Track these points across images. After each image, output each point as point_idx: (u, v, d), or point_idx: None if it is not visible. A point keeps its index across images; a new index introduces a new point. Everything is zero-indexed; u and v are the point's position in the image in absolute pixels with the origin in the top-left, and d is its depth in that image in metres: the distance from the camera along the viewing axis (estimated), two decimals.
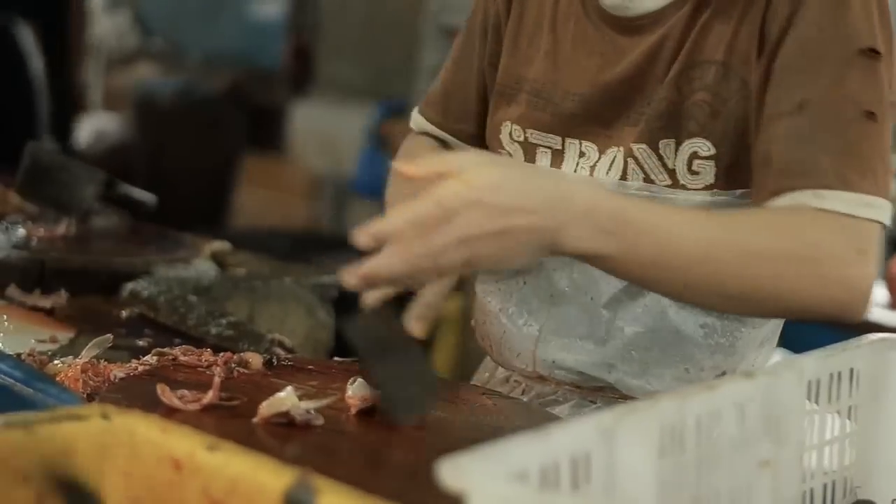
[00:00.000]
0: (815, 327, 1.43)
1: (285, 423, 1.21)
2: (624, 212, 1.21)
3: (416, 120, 1.70)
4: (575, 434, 0.91)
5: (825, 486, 1.19)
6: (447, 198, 1.15)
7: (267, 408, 1.22)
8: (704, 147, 1.40)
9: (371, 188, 5.50)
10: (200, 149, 5.78)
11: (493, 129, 1.56)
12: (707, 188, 1.41)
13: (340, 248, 5.37)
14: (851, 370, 1.20)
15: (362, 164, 5.60)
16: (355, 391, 1.28)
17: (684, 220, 1.26)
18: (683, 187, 1.41)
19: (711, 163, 1.40)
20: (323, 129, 5.64)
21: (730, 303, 1.31)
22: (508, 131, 1.54)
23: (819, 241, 1.28)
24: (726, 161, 1.40)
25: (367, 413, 1.27)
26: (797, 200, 1.30)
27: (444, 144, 1.68)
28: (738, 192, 1.41)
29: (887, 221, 1.32)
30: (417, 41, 5.21)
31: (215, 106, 5.99)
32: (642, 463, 0.96)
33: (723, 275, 1.25)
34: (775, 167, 1.33)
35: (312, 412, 1.23)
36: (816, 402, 1.16)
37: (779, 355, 1.59)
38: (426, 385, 1.28)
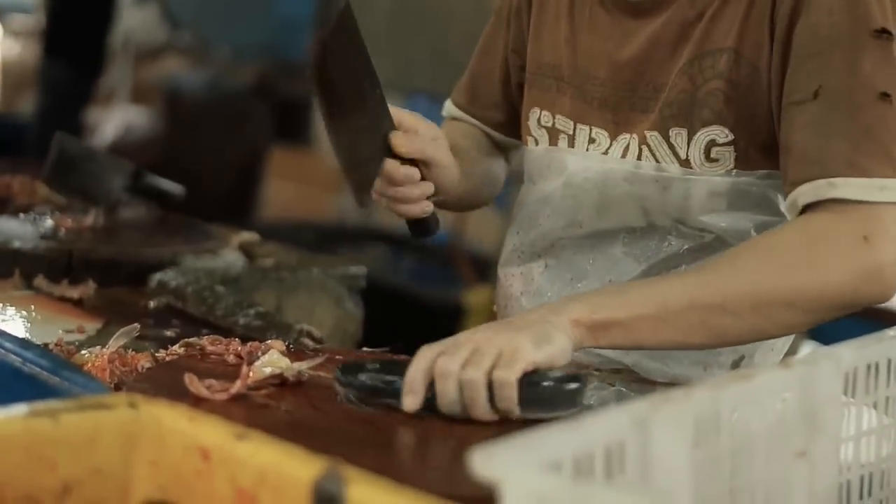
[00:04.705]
0: (844, 318, 1.42)
1: (278, 384, 1.26)
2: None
3: (448, 108, 1.73)
4: (609, 424, 0.89)
5: (862, 479, 1.17)
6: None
7: (261, 370, 1.25)
8: (722, 134, 1.41)
9: None
10: (228, 142, 5.78)
11: (524, 116, 1.59)
12: (727, 172, 1.43)
13: (367, 240, 5.38)
14: (889, 361, 1.18)
15: None
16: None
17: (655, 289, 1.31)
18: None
19: (730, 148, 1.42)
20: None
21: (746, 325, 1.31)
22: (537, 117, 1.57)
23: (817, 237, 1.31)
24: (743, 145, 1.41)
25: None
26: (814, 190, 1.32)
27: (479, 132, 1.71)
28: (760, 172, 1.42)
29: None
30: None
31: (243, 99, 5.99)
32: (677, 453, 0.94)
33: (718, 311, 1.29)
34: (793, 156, 1.35)
35: (305, 373, 1.27)
36: (853, 393, 1.15)
37: (809, 347, 1.57)
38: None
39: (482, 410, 1.20)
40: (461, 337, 1.24)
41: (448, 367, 1.20)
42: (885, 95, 1.32)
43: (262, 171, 5.76)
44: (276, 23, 6.59)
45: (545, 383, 1.23)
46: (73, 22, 5.44)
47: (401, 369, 1.23)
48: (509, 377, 1.20)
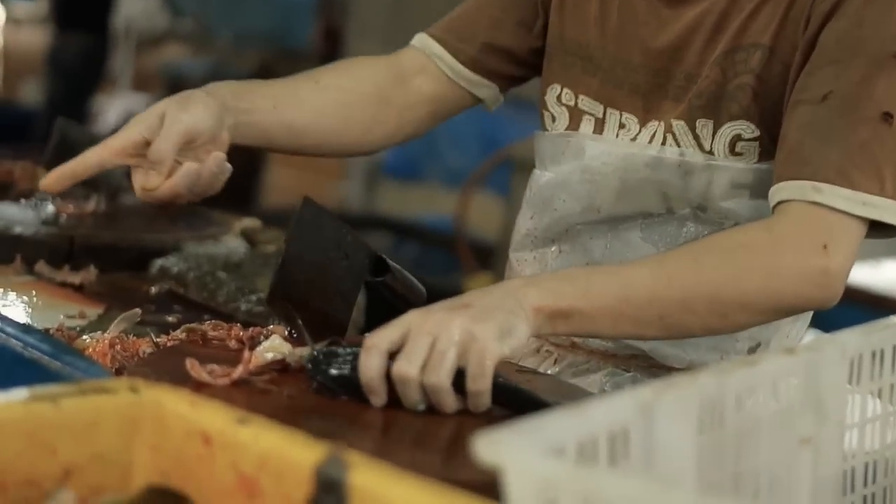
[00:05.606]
0: (847, 307, 1.42)
1: (279, 370, 1.23)
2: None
3: (419, 36, 1.67)
4: (613, 409, 0.89)
5: (866, 466, 1.16)
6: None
7: (262, 356, 1.23)
8: (748, 129, 1.42)
9: (401, 168, 5.49)
10: None
11: (542, 89, 1.58)
12: (751, 164, 1.44)
13: (371, 227, 5.36)
14: (894, 348, 1.18)
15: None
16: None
17: (628, 272, 1.29)
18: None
19: (755, 143, 1.42)
20: None
21: (700, 323, 1.31)
22: (556, 94, 1.55)
23: (781, 241, 1.31)
24: (768, 141, 1.42)
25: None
26: (798, 189, 1.32)
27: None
28: None
29: (892, 220, 1.33)
30: None
31: None
32: (681, 439, 0.93)
33: (679, 303, 1.28)
34: (786, 151, 1.36)
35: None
36: (858, 379, 1.14)
37: (811, 335, 1.57)
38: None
39: (450, 409, 1.19)
40: (413, 325, 1.18)
41: (407, 372, 1.16)
42: (888, 116, 1.33)
43: (264, 157, 5.74)
44: (278, 9, 6.58)
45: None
46: (80, 5, 5.45)
47: None
48: (484, 386, 1.18)
